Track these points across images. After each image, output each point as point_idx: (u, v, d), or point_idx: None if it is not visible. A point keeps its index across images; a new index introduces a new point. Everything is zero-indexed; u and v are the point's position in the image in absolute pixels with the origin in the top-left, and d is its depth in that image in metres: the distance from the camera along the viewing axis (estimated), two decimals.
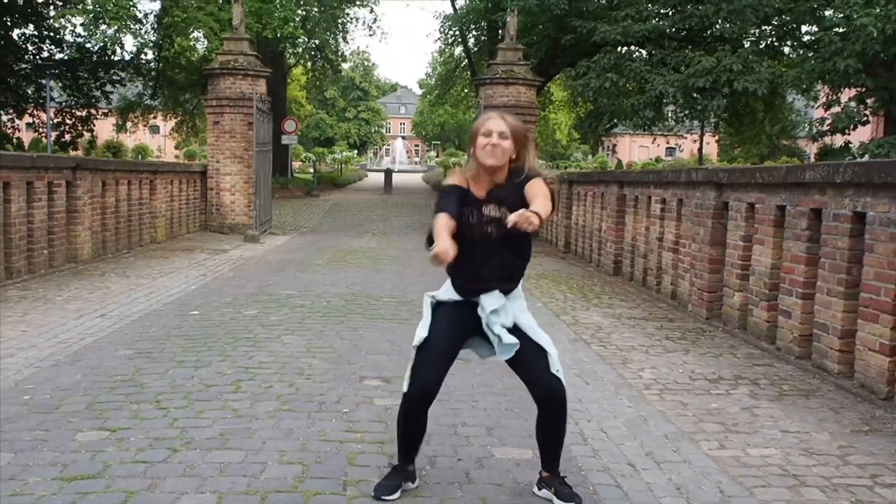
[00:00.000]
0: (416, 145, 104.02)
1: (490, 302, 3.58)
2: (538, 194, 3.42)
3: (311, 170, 48.58)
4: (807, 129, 27.60)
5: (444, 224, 3.40)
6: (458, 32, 34.12)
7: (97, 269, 11.41)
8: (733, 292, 7.94)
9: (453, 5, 35.41)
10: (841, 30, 17.30)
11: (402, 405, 3.67)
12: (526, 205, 3.38)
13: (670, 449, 4.45)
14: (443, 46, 38.89)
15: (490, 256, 3.59)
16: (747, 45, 20.50)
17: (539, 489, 3.76)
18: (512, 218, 3.20)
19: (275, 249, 15.42)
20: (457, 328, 3.66)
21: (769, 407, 5.31)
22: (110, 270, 11.27)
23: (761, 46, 21.30)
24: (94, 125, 34.57)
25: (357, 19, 39.74)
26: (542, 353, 3.62)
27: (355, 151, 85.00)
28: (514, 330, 3.62)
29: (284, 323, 7.83)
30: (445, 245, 3.27)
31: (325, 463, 4.05)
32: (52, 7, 30.22)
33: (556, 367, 3.64)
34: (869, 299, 5.59)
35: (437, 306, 3.71)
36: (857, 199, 5.84)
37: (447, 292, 3.71)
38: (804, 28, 21.19)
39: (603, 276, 12.09)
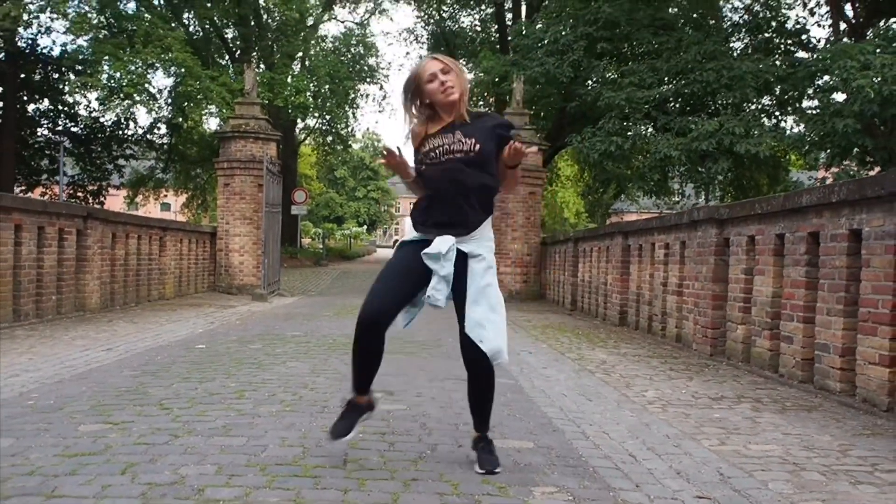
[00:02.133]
0: None
1: (437, 245, 3.63)
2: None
3: (321, 245, 49.03)
4: None
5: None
6: None
7: (105, 317, 11.50)
8: (736, 326, 7.98)
9: None
10: (839, 97, 17.64)
11: (355, 333, 3.78)
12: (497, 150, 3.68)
13: (671, 445, 4.45)
14: None
15: (447, 188, 3.66)
16: (750, 110, 20.83)
17: (472, 448, 3.88)
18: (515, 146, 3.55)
19: (282, 306, 15.49)
20: (411, 262, 3.70)
21: (771, 417, 5.32)
22: (118, 318, 11.35)
23: (762, 119, 21.63)
24: (105, 199, 35.06)
25: (367, 95, 40.36)
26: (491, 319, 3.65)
27: (365, 228, 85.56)
28: (461, 283, 3.68)
29: (290, 353, 7.88)
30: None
31: (326, 446, 4.06)
32: (66, 83, 31.00)
33: (493, 335, 3.62)
34: (867, 313, 5.64)
35: (401, 246, 3.86)
36: (852, 216, 5.93)
37: (410, 232, 3.83)
38: (805, 103, 21.59)
39: (608, 327, 12.11)
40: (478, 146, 3.62)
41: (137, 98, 26.80)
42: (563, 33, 21.86)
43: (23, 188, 32.76)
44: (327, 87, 31.60)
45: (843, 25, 22.48)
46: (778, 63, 20.60)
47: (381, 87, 48.03)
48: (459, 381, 6.34)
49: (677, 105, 20.79)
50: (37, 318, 10.41)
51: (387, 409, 5.04)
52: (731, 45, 23.05)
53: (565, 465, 3.91)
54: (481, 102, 31.83)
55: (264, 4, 31.48)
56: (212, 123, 36.60)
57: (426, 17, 37.14)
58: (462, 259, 3.67)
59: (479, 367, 3.71)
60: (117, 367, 6.81)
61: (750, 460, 4.14)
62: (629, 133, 20.12)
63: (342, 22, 58.97)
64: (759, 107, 21.91)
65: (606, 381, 6.76)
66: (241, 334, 9.66)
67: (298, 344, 8.65)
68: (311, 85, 30.36)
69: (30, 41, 29.71)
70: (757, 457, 4.22)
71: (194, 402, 5.15)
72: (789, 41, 22.91)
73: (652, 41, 21.40)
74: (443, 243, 3.61)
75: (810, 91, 20.00)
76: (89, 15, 26.46)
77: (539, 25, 23.76)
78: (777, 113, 22.66)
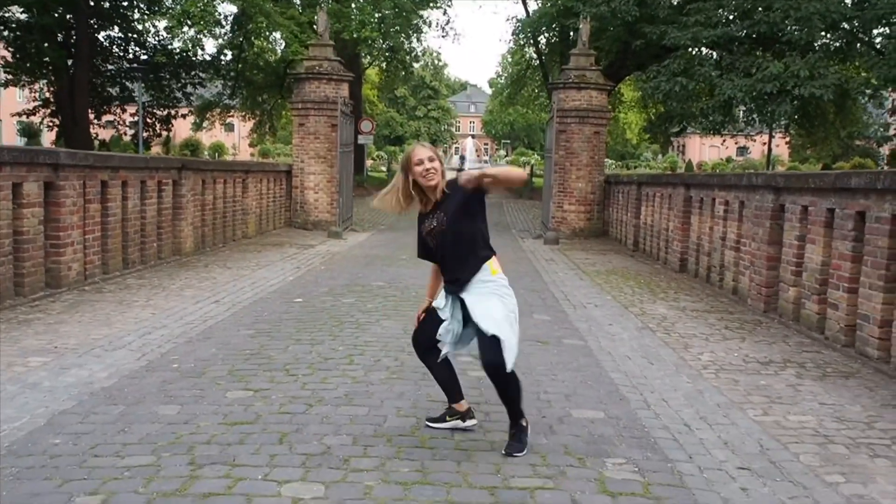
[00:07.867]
0: (486, 144, 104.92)
1: (439, 300, 4.69)
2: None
3: (384, 168, 49.94)
4: (875, 132, 27.91)
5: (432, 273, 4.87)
6: (530, 35, 34.98)
7: (199, 261, 12.57)
8: (788, 287, 8.66)
9: (526, 9, 36.26)
10: None
11: None
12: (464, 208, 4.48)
13: (721, 415, 5.26)
14: (514, 48, 39.71)
15: (443, 256, 4.57)
16: (816, 49, 20.86)
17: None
18: (462, 177, 4.30)
19: (358, 245, 16.49)
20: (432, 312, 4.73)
21: (811, 385, 6.08)
22: (212, 263, 12.42)
23: (831, 50, 21.58)
24: (174, 124, 36.18)
25: (430, 22, 40.58)
26: (493, 337, 4.28)
27: None
28: (470, 318, 4.48)
29: (380, 309, 8.82)
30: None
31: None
32: (136, 10, 31.70)
33: (503, 349, 4.26)
34: None
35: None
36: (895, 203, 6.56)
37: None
38: (875, 31, 21.51)
39: (669, 273, 12.82)
40: (446, 220, 4.47)
41: (203, 25, 27.24)
42: None
43: (93, 115, 33.51)
44: (389, 13, 31.94)
45: None
46: (848, 2, 20.53)
47: (445, 13, 47.79)
48: (536, 345, 7.21)
49: (743, 45, 20.92)
50: (142, 264, 11.48)
51: (477, 377, 5.87)
52: None
53: (631, 436, 4.75)
54: (544, 29, 31.97)
55: None
56: (279, 50, 37.06)
57: None
58: (464, 303, 4.50)
59: (492, 373, 4.35)
60: (232, 324, 7.81)
61: (787, 431, 4.93)
62: (693, 71, 20.38)
63: None
64: (827, 41, 21.88)
65: (666, 342, 7.55)
66: (330, 284, 10.63)
67: (386, 298, 9.59)
68: (376, 14, 30.70)
69: None
70: (794, 428, 5.00)
71: (314, 368, 6.10)
72: None
73: None
74: (442, 299, 4.64)
75: (877, 30, 19.95)
76: None
77: None
78: (844, 47, 22.58)
